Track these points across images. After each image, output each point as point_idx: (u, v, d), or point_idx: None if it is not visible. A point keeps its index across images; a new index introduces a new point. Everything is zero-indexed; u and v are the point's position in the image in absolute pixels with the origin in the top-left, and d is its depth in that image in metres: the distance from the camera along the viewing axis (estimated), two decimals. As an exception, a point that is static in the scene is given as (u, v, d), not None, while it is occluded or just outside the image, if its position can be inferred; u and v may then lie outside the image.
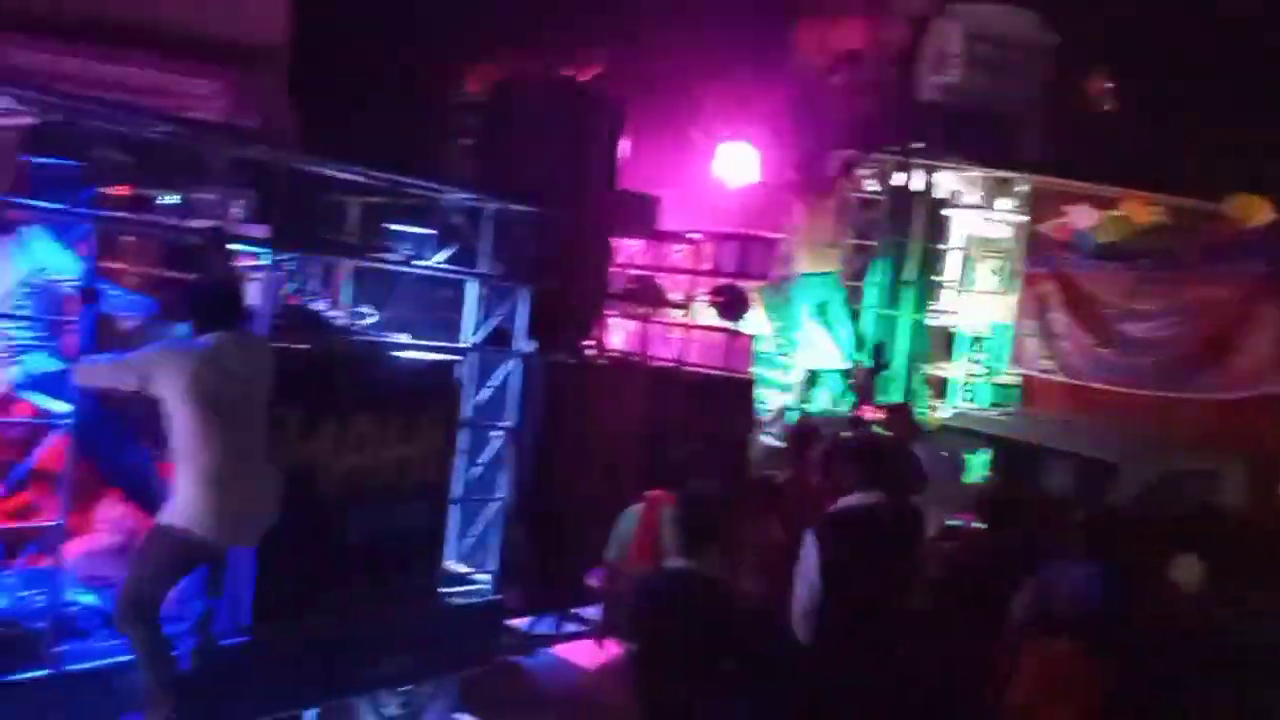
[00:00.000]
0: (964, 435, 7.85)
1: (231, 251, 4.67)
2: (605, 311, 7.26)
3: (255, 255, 5.01)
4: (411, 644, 5.14)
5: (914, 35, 10.84)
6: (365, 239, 5.81)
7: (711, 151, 10.81)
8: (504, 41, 9.42)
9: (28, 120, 4.49)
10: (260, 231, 5.09)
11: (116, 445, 4.48)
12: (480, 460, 5.68)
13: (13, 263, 4.39)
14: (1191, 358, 8.92)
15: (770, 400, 9.93)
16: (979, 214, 10.92)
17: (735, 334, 8.34)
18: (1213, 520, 5.54)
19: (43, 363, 4.36)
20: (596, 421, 6.27)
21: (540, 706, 6.07)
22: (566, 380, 6.15)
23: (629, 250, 8.09)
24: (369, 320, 5.68)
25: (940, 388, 10.69)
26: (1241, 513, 6.69)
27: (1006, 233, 10.89)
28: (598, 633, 6.00)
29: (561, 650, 6.44)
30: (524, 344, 5.78)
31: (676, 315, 7.42)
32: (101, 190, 5.11)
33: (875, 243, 10.38)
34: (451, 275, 5.58)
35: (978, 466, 7.67)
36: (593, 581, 6.22)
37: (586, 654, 6.26)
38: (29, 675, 3.88)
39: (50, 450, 4.22)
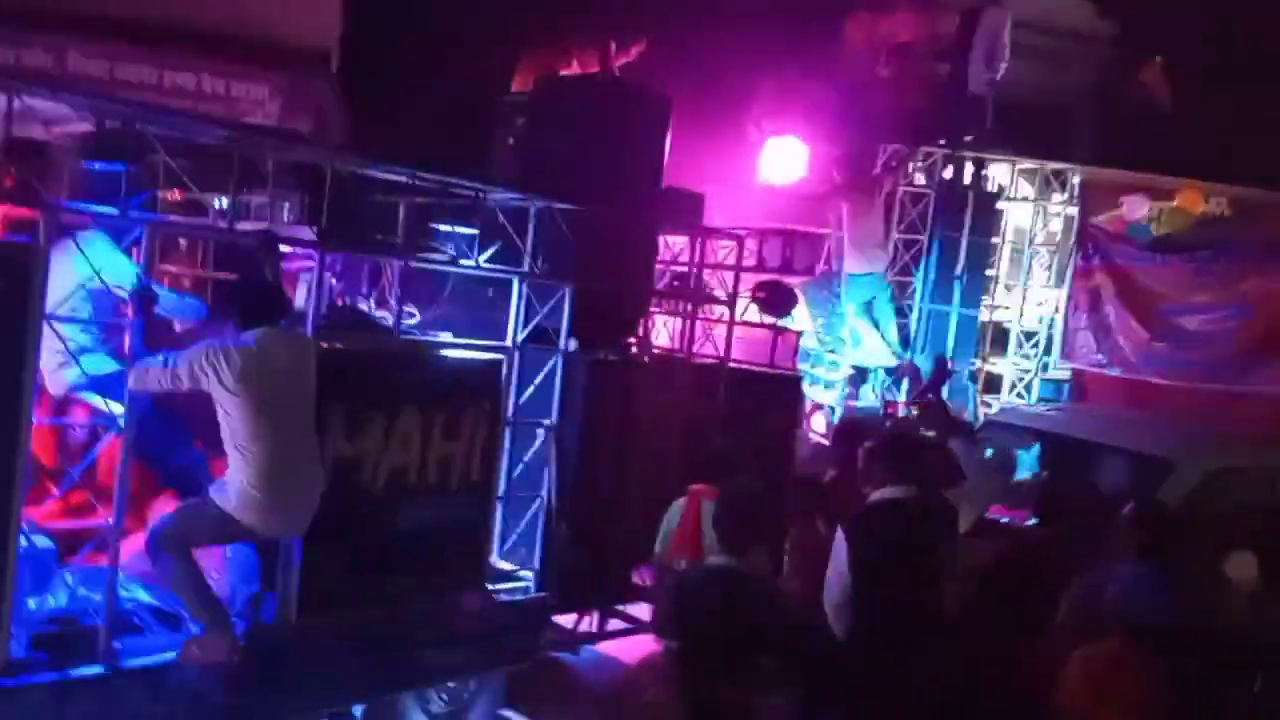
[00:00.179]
0: (1014, 431, 7.73)
1: (281, 253, 4.77)
2: (649, 309, 7.26)
3: (304, 256, 5.11)
4: (457, 640, 5.21)
5: (964, 26, 10.68)
6: (411, 239, 5.89)
7: (758, 147, 10.75)
8: (549, 38, 9.46)
9: (85, 127, 4.62)
10: (308, 232, 5.19)
11: (170, 445, 4.61)
12: (524, 458, 5.73)
13: (70, 267, 4.53)
14: (1249, 351, 8.71)
15: (816, 397, 9.88)
16: (1030, 207, 10.75)
17: (780, 330, 8.29)
18: (1270, 518, 5.40)
19: (99, 365, 4.49)
20: (640, 419, 6.28)
21: (584, 703, 6.11)
22: (610, 378, 6.17)
23: (674, 247, 8.07)
24: (414, 319, 5.76)
25: (992, 383, 10.55)
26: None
27: (1058, 225, 10.71)
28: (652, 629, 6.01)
29: (605, 647, 6.47)
30: (567, 342, 5.82)
31: (721, 312, 7.39)
32: (155, 194, 5.25)
33: (924, 237, 10.26)
34: (496, 274, 5.63)
35: (1028, 463, 7.55)
36: (640, 578, 6.25)
37: (630, 651, 6.29)
38: (87, 672, 4.00)
39: (107, 451, 4.34)
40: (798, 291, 9.04)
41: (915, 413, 7.97)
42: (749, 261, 8.24)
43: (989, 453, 7.01)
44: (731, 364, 7.23)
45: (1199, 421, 8.24)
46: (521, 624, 5.58)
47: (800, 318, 9.55)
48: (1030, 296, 10.67)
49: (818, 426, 9.37)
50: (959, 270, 10.09)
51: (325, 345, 4.69)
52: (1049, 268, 10.76)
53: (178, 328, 5.17)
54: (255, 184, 5.53)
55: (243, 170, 4.87)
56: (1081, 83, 10.85)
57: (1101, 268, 9.83)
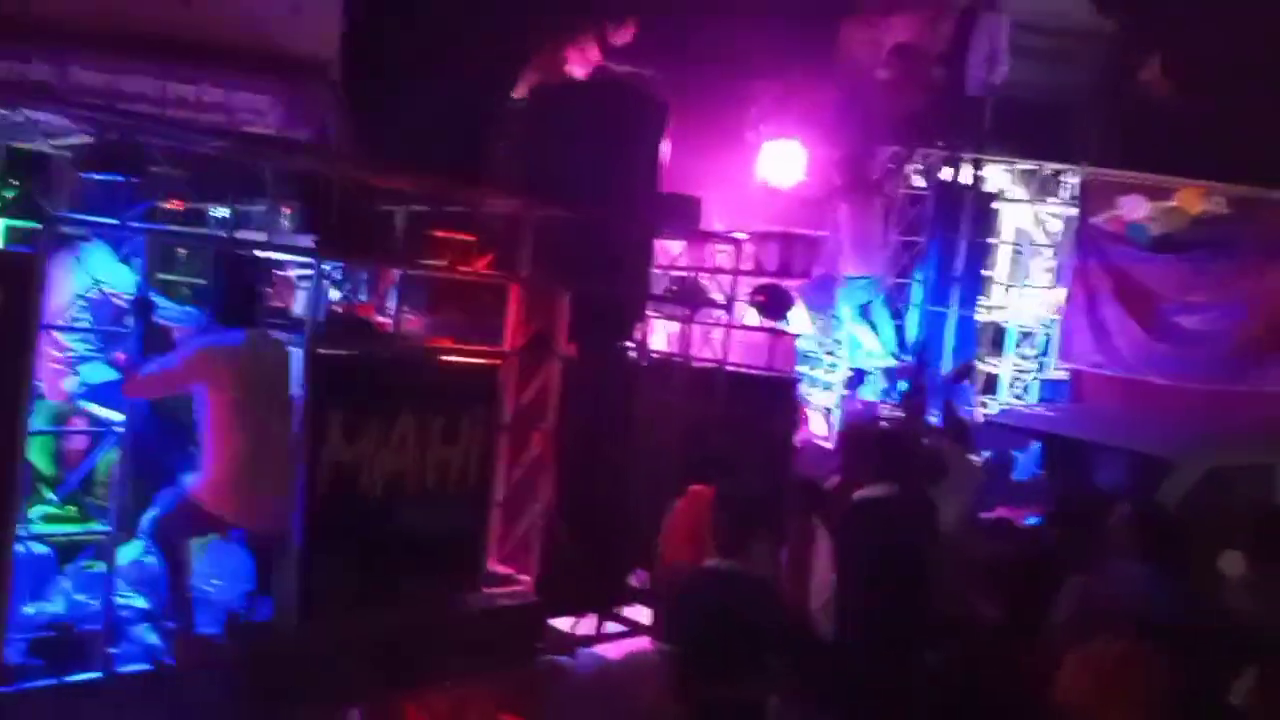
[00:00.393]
0: (1013, 431, 7.74)
1: (258, 258, 4.84)
2: (647, 313, 7.29)
3: (304, 264, 5.15)
4: (455, 643, 5.23)
5: (962, 27, 10.69)
6: (410, 246, 5.92)
7: (756, 150, 10.78)
8: (552, 42, 9.49)
9: (86, 138, 4.67)
10: (308, 241, 5.24)
11: (167, 453, 4.64)
12: (522, 462, 5.76)
13: (71, 277, 4.57)
14: (1248, 350, 8.71)
15: (815, 399, 9.89)
16: (1029, 208, 10.75)
17: (778, 334, 8.31)
18: (1267, 515, 5.40)
19: (99, 373, 4.53)
20: (638, 423, 6.31)
21: (582, 707, 6.12)
22: (607, 382, 6.20)
23: (670, 251, 8.10)
24: (413, 325, 5.79)
25: (990, 384, 10.54)
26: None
27: (1057, 226, 10.71)
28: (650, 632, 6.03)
29: (603, 650, 6.49)
30: (565, 347, 5.84)
31: (719, 315, 7.41)
32: (155, 204, 5.29)
33: (922, 239, 10.27)
34: (493, 280, 5.66)
35: (1027, 462, 7.57)
36: (638, 581, 6.27)
37: (628, 654, 6.31)
38: (83, 677, 4.03)
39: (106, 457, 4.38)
40: (797, 295, 9.06)
41: (901, 413, 7.99)
42: (746, 265, 8.24)
43: (985, 454, 7.03)
44: (730, 367, 7.26)
45: (1198, 420, 8.24)
46: (519, 628, 5.60)
47: (798, 321, 9.57)
48: (1028, 297, 10.67)
49: (817, 429, 9.38)
50: (957, 271, 10.10)
51: (323, 351, 4.72)
52: (1048, 268, 10.76)
53: (176, 337, 5.20)
54: (255, 193, 5.57)
55: (242, 180, 4.91)
56: (1080, 82, 10.84)
57: (1099, 268, 9.82)
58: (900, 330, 9.93)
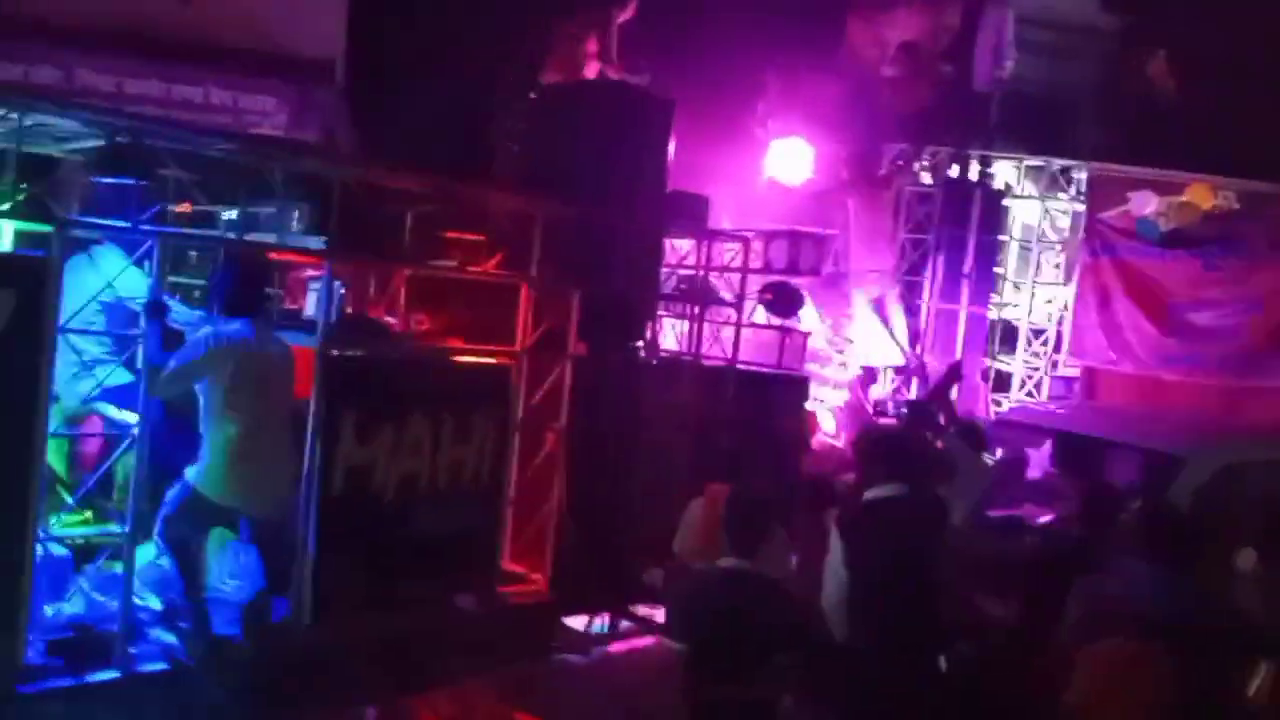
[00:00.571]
0: (1025, 429, 7.71)
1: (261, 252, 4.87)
2: (657, 312, 7.29)
3: (314, 265, 5.16)
4: (469, 642, 5.24)
5: (968, 23, 10.67)
6: (419, 246, 5.93)
7: (764, 147, 10.78)
8: (559, 40, 9.48)
9: (96, 142, 4.68)
10: (318, 242, 5.25)
11: (180, 454, 4.65)
12: (533, 461, 5.76)
13: (85, 280, 4.59)
14: (1259, 346, 8.67)
15: (825, 398, 9.88)
16: (1037, 204, 10.72)
17: (788, 331, 8.31)
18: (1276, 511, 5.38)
19: (114, 376, 4.55)
20: (649, 422, 6.32)
21: (595, 705, 6.12)
22: (618, 381, 6.20)
23: (680, 250, 8.10)
24: (423, 326, 5.80)
25: (1001, 381, 10.52)
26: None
27: (1066, 222, 10.68)
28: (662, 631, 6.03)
29: (616, 648, 6.49)
30: (575, 346, 5.85)
31: (728, 314, 7.41)
32: (166, 207, 5.31)
33: (931, 236, 10.25)
34: (504, 280, 5.67)
35: (1039, 461, 7.54)
36: (651, 579, 6.27)
37: (641, 652, 6.31)
38: (102, 677, 4.06)
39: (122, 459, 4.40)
40: (806, 292, 9.05)
41: (905, 411, 7.97)
42: (755, 263, 8.24)
43: (999, 452, 7.00)
44: (739, 366, 7.25)
45: (1210, 417, 8.22)
46: (532, 626, 5.60)
47: (808, 319, 9.56)
48: (1039, 294, 10.65)
49: (827, 426, 9.37)
50: (967, 269, 10.07)
51: (336, 353, 4.74)
52: (1057, 265, 10.73)
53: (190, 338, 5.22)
54: (264, 195, 5.58)
55: (251, 182, 4.92)
56: (1087, 78, 10.81)
57: (1110, 264, 9.79)
58: (912, 327, 9.91)
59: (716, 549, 4.95)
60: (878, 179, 10.18)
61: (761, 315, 8.39)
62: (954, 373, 7.77)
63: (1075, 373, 10.25)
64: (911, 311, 10.01)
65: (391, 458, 4.93)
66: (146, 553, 4.54)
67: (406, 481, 4.98)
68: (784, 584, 4.29)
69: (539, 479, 5.78)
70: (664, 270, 7.67)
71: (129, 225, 4.43)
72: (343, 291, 5.70)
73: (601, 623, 6.41)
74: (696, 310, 7.15)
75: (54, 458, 4.41)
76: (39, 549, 3.96)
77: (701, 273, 7.51)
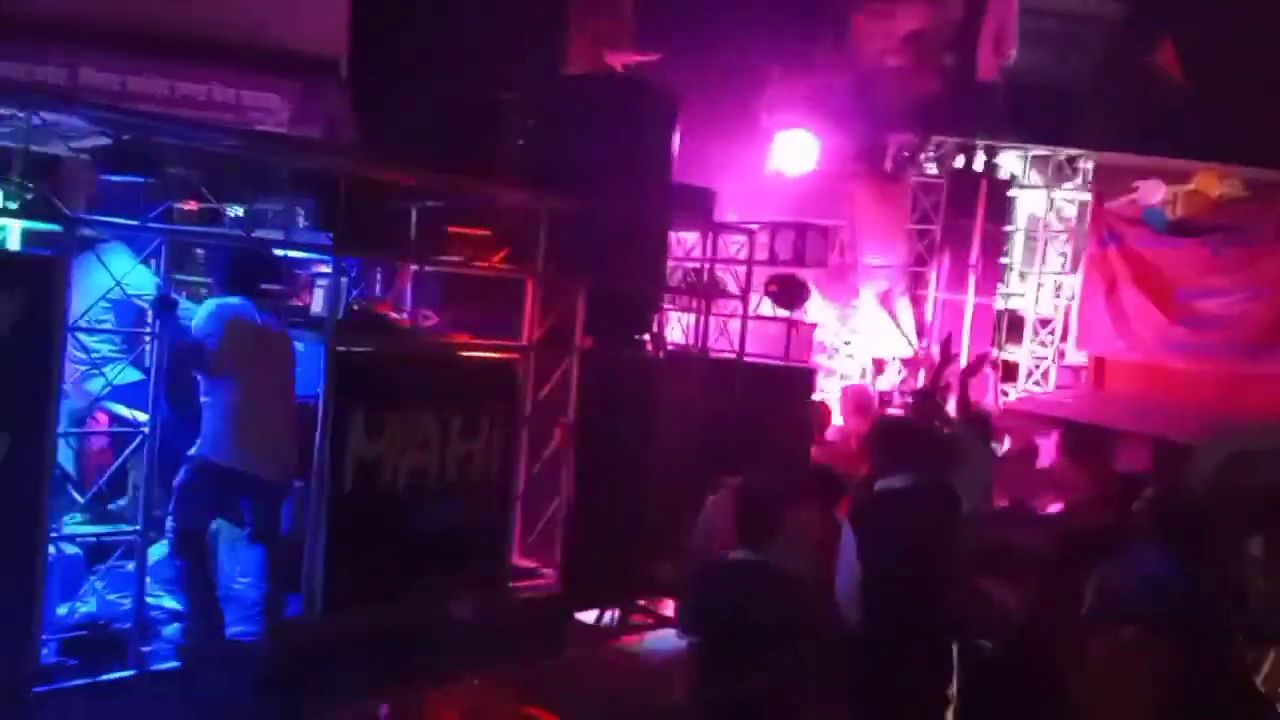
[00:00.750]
0: (1033, 419, 7.72)
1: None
2: (663, 305, 7.28)
3: (321, 261, 5.17)
4: (480, 637, 5.25)
5: (971, 13, 10.64)
6: (425, 242, 5.93)
7: (768, 140, 10.76)
8: (558, 37, 9.46)
9: (102, 140, 4.68)
10: (324, 238, 5.25)
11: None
12: (542, 456, 5.77)
13: (93, 279, 4.60)
14: (1268, 333, 8.64)
15: (832, 390, 9.87)
16: (1043, 194, 10.70)
17: (795, 324, 8.30)
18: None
19: (122, 374, 4.55)
20: (656, 415, 6.31)
21: (606, 699, 6.13)
22: (625, 375, 6.20)
23: (685, 242, 8.08)
24: (430, 321, 5.81)
25: (1009, 371, 10.51)
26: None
27: (1072, 212, 10.66)
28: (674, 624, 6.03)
29: (627, 642, 6.50)
30: (582, 340, 5.84)
31: (734, 306, 7.40)
32: (172, 205, 5.31)
33: (937, 227, 10.23)
34: (509, 275, 5.66)
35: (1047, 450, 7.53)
36: (662, 573, 6.26)
37: (653, 646, 6.32)
38: (116, 675, 4.07)
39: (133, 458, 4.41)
40: (813, 284, 9.04)
41: (911, 401, 7.95)
42: (761, 255, 8.22)
43: (1007, 441, 7.00)
44: (747, 358, 7.25)
45: (1218, 405, 8.20)
46: (543, 621, 5.61)
47: (815, 310, 9.54)
48: (1045, 283, 10.63)
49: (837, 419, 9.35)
50: (973, 259, 10.06)
51: (343, 349, 4.74)
52: (1063, 254, 10.72)
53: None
54: (270, 192, 5.58)
55: (257, 179, 4.92)
56: (1089, 67, 10.79)
57: (1117, 253, 9.76)
58: (918, 319, 9.90)
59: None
60: (887, 171, 10.17)
61: (768, 307, 8.38)
62: (946, 352, 7.76)
63: (1082, 361, 10.24)
64: (917, 303, 10.00)
65: (400, 453, 4.93)
66: (159, 551, 4.55)
67: (416, 476, 4.99)
68: (796, 575, 4.28)
69: (548, 473, 5.78)
70: (670, 263, 7.65)
71: (137, 223, 4.44)
72: (349, 287, 5.71)
73: (612, 617, 6.41)
74: (703, 303, 7.15)
75: (63, 457, 4.42)
76: (51, 549, 3.97)
77: (707, 265, 7.50)
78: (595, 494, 5.89)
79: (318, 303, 5.88)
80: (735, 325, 7.29)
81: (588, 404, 5.86)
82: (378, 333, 5.35)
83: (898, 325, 9.88)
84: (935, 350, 9.53)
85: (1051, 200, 10.72)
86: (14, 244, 4.50)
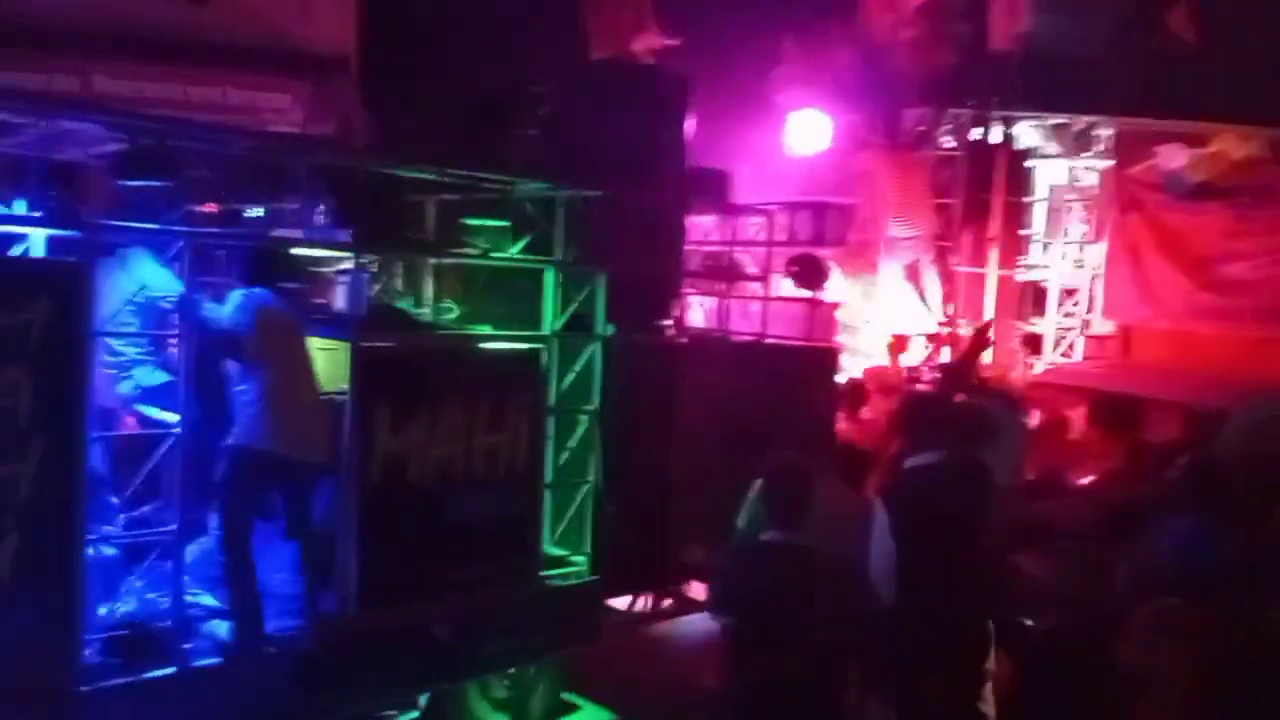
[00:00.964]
0: (1061, 390, 7.66)
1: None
2: (683, 290, 7.26)
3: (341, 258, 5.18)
4: (514, 627, 5.27)
5: (984, -18, 10.51)
6: (443, 235, 5.93)
7: (782, 119, 10.70)
8: (573, 26, 9.43)
9: (119, 146, 4.71)
10: (343, 235, 5.26)
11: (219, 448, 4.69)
12: (569, 445, 5.77)
13: (117, 283, 4.63)
14: (1294, 295, 8.54)
15: (856, 368, 9.82)
16: (1063, 163, 10.58)
17: (816, 303, 8.26)
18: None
19: (151, 376, 4.59)
20: (680, 399, 6.30)
21: (642, 684, 6.15)
22: (648, 361, 6.19)
23: (703, 226, 8.06)
24: (452, 314, 5.81)
25: (1035, 343, 10.42)
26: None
27: (1093, 180, 10.53)
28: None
29: (661, 627, 6.51)
30: (604, 327, 5.84)
31: (755, 288, 7.38)
32: (192, 208, 5.34)
33: (956, 200, 10.15)
34: (529, 265, 5.66)
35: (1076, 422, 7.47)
36: (688, 557, 6.26)
37: (686, 630, 6.33)
38: (157, 673, 4.12)
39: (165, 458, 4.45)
40: (832, 263, 8.99)
41: (938, 376, 7.90)
42: (780, 236, 8.19)
43: (1035, 414, 6.94)
44: (769, 339, 7.22)
45: (1247, 370, 8.10)
46: (577, 609, 5.63)
47: (838, 289, 9.49)
48: (1068, 253, 10.52)
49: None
50: (993, 232, 9.97)
51: (367, 344, 4.76)
52: (1086, 223, 10.60)
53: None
54: (287, 191, 5.60)
55: (274, 179, 4.94)
56: (1104, 32, 10.62)
57: (1140, 220, 9.66)
58: (946, 292, 9.83)
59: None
60: (908, 144, 10.09)
61: (788, 287, 8.34)
62: (982, 335, 7.70)
63: (1108, 331, 10.14)
64: (946, 277, 9.93)
65: (428, 446, 4.94)
66: (196, 549, 4.60)
67: (444, 469, 5.00)
68: (827, 555, 4.26)
69: (575, 461, 5.79)
70: (688, 247, 7.63)
71: (157, 227, 4.46)
72: (370, 283, 5.73)
73: (644, 602, 6.42)
74: (723, 286, 7.13)
75: (97, 460, 4.46)
76: (90, 550, 4.01)
77: (727, 248, 7.48)
78: (623, 480, 5.89)
79: (339, 300, 5.90)
80: (755, 306, 7.27)
81: (612, 391, 5.85)
82: (400, 328, 5.36)
83: (923, 300, 9.80)
84: (964, 328, 9.47)
85: (1071, 169, 10.60)
86: (38, 252, 4.53)
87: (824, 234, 9.16)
